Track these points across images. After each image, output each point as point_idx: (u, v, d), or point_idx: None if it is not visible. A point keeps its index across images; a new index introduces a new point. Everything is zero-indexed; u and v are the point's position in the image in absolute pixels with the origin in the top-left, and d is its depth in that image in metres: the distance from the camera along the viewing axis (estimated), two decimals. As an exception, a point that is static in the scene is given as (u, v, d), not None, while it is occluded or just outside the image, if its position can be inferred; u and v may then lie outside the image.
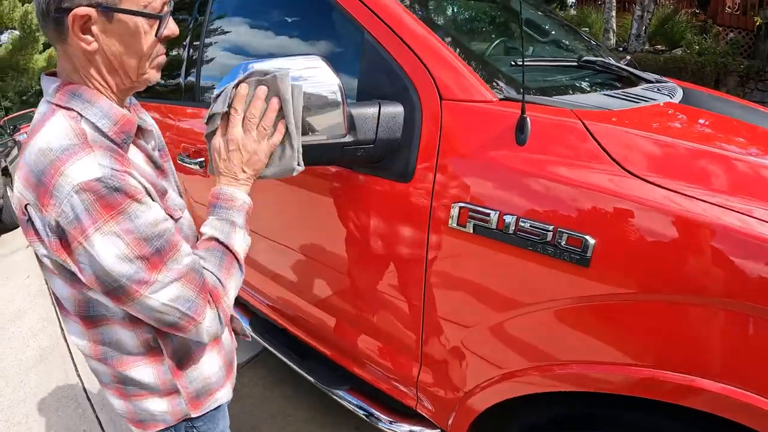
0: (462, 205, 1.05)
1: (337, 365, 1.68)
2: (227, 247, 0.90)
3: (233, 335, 1.16)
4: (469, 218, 1.04)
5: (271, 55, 1.68)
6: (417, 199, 1.15)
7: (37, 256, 0.81)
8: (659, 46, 8.91)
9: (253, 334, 1.92)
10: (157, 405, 0.95)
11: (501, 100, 1.10)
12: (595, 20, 9.87)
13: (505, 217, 0.99)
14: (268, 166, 0.96)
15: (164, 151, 1.03)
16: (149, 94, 2.20)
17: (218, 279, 0.87)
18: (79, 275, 0.76)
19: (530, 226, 0.96)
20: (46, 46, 18.61)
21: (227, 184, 0.93)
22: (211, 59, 1.95)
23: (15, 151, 7.83)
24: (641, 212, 0.86)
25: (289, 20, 1.63)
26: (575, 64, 1.53)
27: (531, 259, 0.98)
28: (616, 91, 1.35)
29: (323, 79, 1.00)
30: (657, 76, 1.79)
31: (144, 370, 0.92)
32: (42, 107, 0.79)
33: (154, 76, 0.85)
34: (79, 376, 2.63)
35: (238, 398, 2.22)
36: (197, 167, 1.91)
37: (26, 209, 0.74)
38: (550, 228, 0.94)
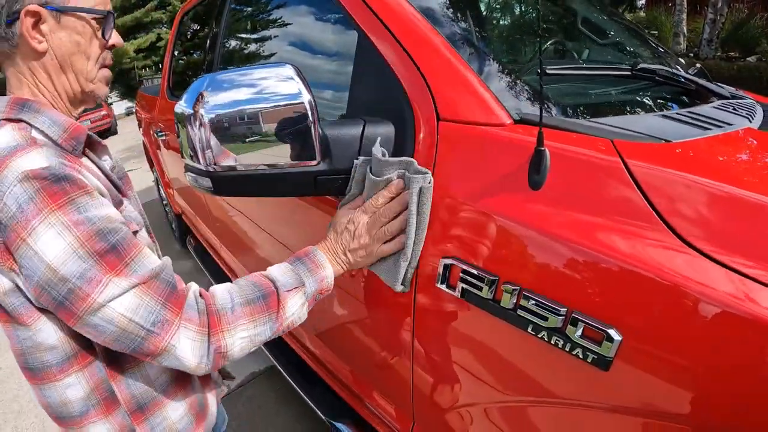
0: (452, 261, 0.75)
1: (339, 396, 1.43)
2: (277, 297, 0.72)
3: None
4: (461, 280, 0.74)
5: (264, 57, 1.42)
6: (401, 246, 0.85)
7: None
8: (732, 53, 7.96)
9: (263, 348, 1.76)
10: None
11: (516, 122, 0.78)
12: (664, 23, 8.96)
13: (504, 285, 0.68)
14: (374, 265, 0.86)
15: (125, 180, 0.86)
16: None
17: (231, 310, 0.69)
18: (27, 289, 0.63)
19: (536, 303, 0.65)
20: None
21: (324, 253, 0.81)
22: (229, 59, 1.73)
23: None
24: (701, 306, 0.53)
25: (292, 22, 1.36)
26: (628, 73, 1.10)
27: (531, 346, 0.67)
28: (678, 111, 0.96)
29: (291, 93, 0.76)
30: (731, 89, 1.34)
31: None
32: None
33: (101, 89, 0.79)
34: None
35: (249, 408, 2.04)
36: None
37: None
38: (563, 311, 0.62)
